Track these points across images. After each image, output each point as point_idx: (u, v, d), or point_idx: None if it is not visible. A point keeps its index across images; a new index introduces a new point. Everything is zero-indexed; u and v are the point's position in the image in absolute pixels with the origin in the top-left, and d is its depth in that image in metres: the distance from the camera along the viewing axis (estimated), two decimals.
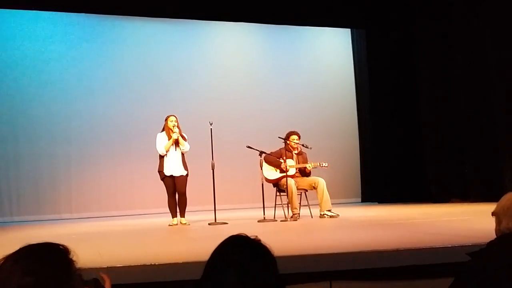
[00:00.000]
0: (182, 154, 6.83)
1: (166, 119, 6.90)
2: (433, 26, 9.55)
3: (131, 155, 9.72)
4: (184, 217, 6.83)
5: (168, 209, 6.88)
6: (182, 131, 6.89)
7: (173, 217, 6.81)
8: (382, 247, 3.58)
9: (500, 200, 2.27)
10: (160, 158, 6.82)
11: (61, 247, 1.44)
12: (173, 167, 6.76)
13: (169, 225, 6.70)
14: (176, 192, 6.81)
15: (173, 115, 6.91)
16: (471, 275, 2.06)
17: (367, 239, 4.40)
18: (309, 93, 10.93)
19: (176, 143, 6.78)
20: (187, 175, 6.80)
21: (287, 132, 7.29)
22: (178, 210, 6.84)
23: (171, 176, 6.75)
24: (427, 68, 9.68)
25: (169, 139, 6.77)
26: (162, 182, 6.87)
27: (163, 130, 6.91)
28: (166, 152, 6.75)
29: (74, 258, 1.43)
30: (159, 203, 8.84)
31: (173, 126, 6.76)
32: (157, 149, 6.82)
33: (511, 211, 2.18)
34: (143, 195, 9.60)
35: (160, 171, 6.80)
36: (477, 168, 8.81)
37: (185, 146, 6.80)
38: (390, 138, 10.34)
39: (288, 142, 7.17)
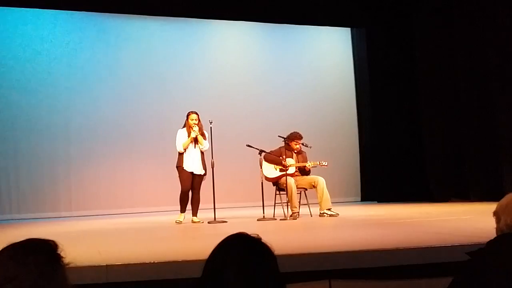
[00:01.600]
0: (202, 152, 6.83)
1: (187, 116, 6.86)
2: (434, 25, 9.54)
3: (131, 153, 9.72)
4: (196, 215, 6.83)
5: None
6: (203, 128, 6.87)
7: (181, 212, 6.78)
8: (382, 246, 3.59)
9: (500, 200, 2.28)
10: (179, 154, 6.81)
11: (49, 242, 1.43)
12: (192, 165, 6.75)
13: (176, 221, 6.67)
14: (190, 189, 6.79)
15: (195, 112, 6.86)
16: (470, 274, 2.06)
17: (366, 238, 4.40)
18: (309, 92, 10.92)
19: (196, 141, 6.77)
20: (205, 174, 6.83)
21: (290, 132, 7.26)
22: (191, 208, 6.83)
23: (191, 173, 6.76)
24: (428, 67, 9.67)
25: (189, 136, 6.77)
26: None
27: (184, 126, 6.89)
28: (185, 149, 6.75)
29: (62, 254, 1.42)
30: (159, 201, 8.86)
31: (194, 124, 6.75)
32: (176, 145, 6.82)
33: (509, 208, 2.19)
34: (143, 193, 9.59)
35: (179, 166, 6.78)
36: (477, 168, 8.81)
37: (204, 144, 6.79)
38: (390, 137, 10.33)
39: (288, 142, 7.17)
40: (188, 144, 6.76)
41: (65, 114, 9.48)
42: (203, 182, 6.91)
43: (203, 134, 6.84)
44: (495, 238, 2.19)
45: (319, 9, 9.96)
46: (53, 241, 1.44)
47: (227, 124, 9.69)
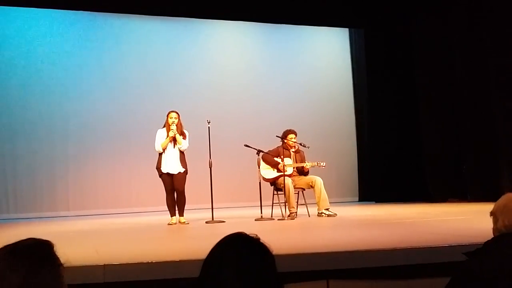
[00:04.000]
0: (181, 152, 6.74)
1: (167, 115, 6.80)
2: (432, 25, 9.55)
3: (128, 153, 9.71)
4: (183, 216, 6.75)
5: (166, 207, 6.82)
6: (184, 127, 6.79)
7: (171, 216, 6.72)
8: (379, 246, 3.59)
9: (497, 200, 2.28)
10: (158, 155, 6.75)
11: (44, 242, 1.42)
12: (169, 165, 6.66)
13: (169, 224, 6.62)
14: (174, 190, 6.72)
15: (175, 111, 6.78)
16: (468, 274, 2.07)
17: (364, 238, 4.40)
18: (307, 92, 10.92)
19: (174, 140, 6.70)
20: (185, 172, 6.69)
21: (284, 130, 7.28)
22: (176, 208, 6.76)
23: (168, 173, 6.68)
24: (426, 68, 9.68)
25: (167, 136, 6.71)
26: (160, 179, 6.81)
27: (164, 126, 6.81)
28: (163, 149, 6.69)
29: (58, 254, 1.41)
30: (156, 201, 8.84)
31: (172, 123, 6.66)
32: (155, 145, 6.75)
33: (507, 209, 2.19)
34: (141, 193, 9.59)
35: (158, 168, 6.72)
36: (474, 168, 8.82)
37: (182, 144, 6.67)
38: (387, 138, 10.34)
39: (285, 141, 7.17)
40: (167, 144, 6.68)
41: (62, 114, 9.47)
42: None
43: (183, 133, 6.74)
44: (492, 238, 2.19)
45: (317, 10, 9.95)
46: (48, 241, 1.43)
47: (225, 124, 9.69)
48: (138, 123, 9.70)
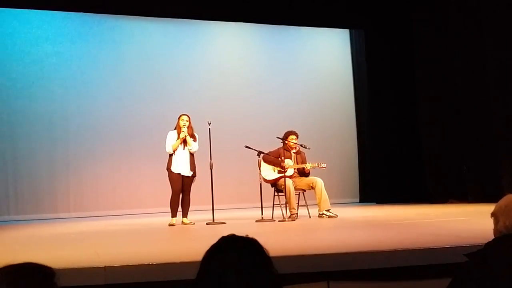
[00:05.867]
0: (191, 154, 6.85)
1: (178, 118, 6.94)
2: (432, 26, 9.56)
3: (129, 154, 9.72)
4: (186, 217, 6.84)
5: (168, 207, 6.83)
6: (194, 130, 6.93)
7: (172, 216, 6.78)
8: (380, 247, 3.59)
9: (498, 201, 2.29)
10: (169, 156, 6.86)
11: (46, 269, 1.39)
12: (181, 166, 6.78)
13: (169, 224, 6.66)
14: (181, 191, 6.81)
15: (186, 114, 6.94)
16: (469, 275, 2.07)
17: (365, 240, 4.40)
18: (308, 93, 10.93)
19: (185, 142, 6.80)
20: (193, 175, 6.84)
21: (285, 132, 7.29)
22: (180, 210, 6.84)
23: (179, 174, 6.79)
24: (426, 69, 9.68)
25: (178, 138, 6.81)
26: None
27: (175, 128, 6.94)
28: (174, 150, 6.78)
29: (58, 283, 1.38)
30: (157, 202, 8.85)
31: (183, 126, 6.80)
32: (165, 146, 6.87)
33: (508, 210, 2.19)
34: (142, 195, 9.59)
35: (168, 169, 6.82)
36: (475, 169, 8.82)
37: (192, 146, 6.82)
38: (388, 139, 10.35)
39: (286, 142, 7.17)
40: (177, 146, 6.80)
41: (63, 115, 9.48)
42: (195, 183, 6.93)
43: (193, 136, 6.88)
44: (493, 239, 2.19)
45: (318, 11, 9.97)
46: (50, 268, 1.40)
47: (226, 125, 9.69)
48: (139, 124, 9.72)
